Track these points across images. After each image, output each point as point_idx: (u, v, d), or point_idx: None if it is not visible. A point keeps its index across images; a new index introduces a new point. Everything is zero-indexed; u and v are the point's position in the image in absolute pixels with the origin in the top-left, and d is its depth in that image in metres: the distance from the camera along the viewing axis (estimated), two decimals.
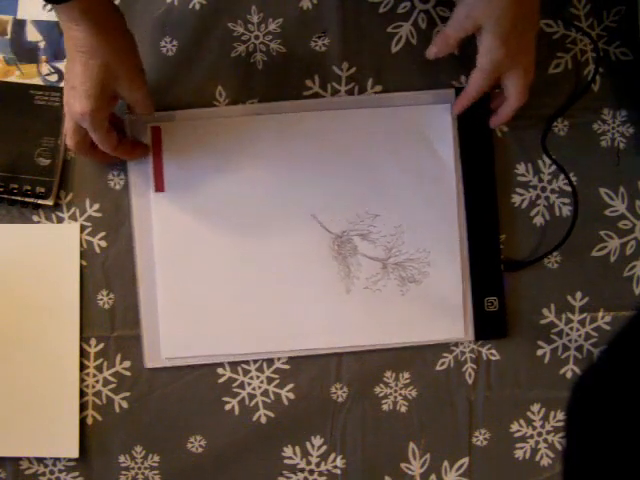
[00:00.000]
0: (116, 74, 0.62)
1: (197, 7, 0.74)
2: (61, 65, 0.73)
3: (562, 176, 0.75)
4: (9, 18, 0.73)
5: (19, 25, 0.73)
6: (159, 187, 0.73)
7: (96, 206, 0.74)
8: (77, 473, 0.75)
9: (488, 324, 0.74)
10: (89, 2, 0.59)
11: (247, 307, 0.73)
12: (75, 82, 0.62)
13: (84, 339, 0.74)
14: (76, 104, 0.62)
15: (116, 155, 0.69)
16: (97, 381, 0.74)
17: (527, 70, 0.66)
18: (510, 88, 0.67)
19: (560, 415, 0.75)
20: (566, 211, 0.75)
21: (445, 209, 0.74)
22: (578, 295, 0.75)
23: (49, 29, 0.73)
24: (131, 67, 0.64)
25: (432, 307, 0.74)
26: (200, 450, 0.75)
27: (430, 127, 0.73)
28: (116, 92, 0.64)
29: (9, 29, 0.73)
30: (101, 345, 0.74)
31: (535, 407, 0.76)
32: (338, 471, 0.75)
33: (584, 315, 0.75)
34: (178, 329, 0.73)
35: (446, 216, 0.74)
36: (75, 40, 0.60)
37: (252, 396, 0.75)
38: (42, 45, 0.73)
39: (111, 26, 0.62)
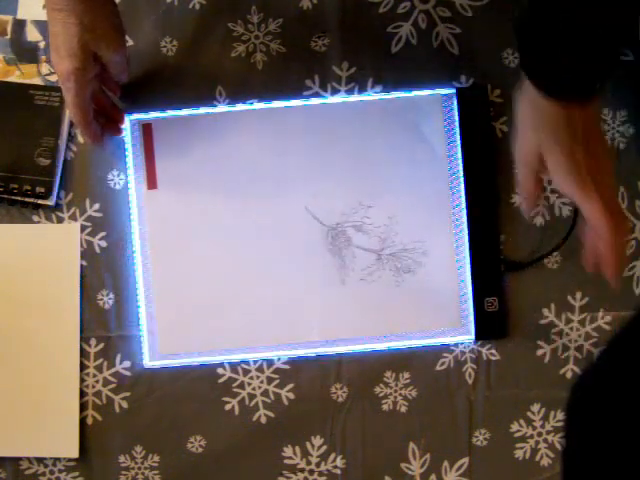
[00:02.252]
0: (95, 33, 0.62)
1: (197, 7, 0.74)
2: None
3: None
4: (9, 18, 0.73)
5: (19, 25, 0.73)
6: (151, 185, 0.73)
7: (96, 206, 0.74)
8: (77, 473, 0.75)
9: (488, 324, 0.74)
10: None
11: (243, 301, 0.74)
12: (57, 43, 0.62)
13: (84, 339, 0.74)
14: (61, 64, 0.62)
15: (86, 126, 0.67)
16: (97, 381, 0.74)
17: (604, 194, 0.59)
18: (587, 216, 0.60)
19: (560, 415, 0.75)
20: (566, 211, 0.75)
21: (438, 199, 0.74)
22: (578, 295, 0.75)
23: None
24: (110, 26, 0.64)
25: (428, 297, 0.74)
26: (200, 450, 0.75)
27: (421, 117, 0.73)
28: (96, 51, 0.63)
29: (9, 29, 0.73)
30: (101, 345, 0.74)
31: (535, 407, 0.75)
32: (338, 471, 0.75)
33: (584, 315, 0.75)
34: (175, 325, 0.73)
35: (439, 206, 0.74)
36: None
37: (252, 396, 0.75)
38: (42, 45, 0.73)
39: None
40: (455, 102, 0.74)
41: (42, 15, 0.73)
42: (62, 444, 0.73)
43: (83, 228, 0.74)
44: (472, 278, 0.74)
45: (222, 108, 0.74)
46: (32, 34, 0.73)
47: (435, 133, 0.74)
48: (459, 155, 0.74)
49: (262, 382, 0.75)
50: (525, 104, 0.61)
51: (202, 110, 0.74)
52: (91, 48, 0.63)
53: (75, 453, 0.73)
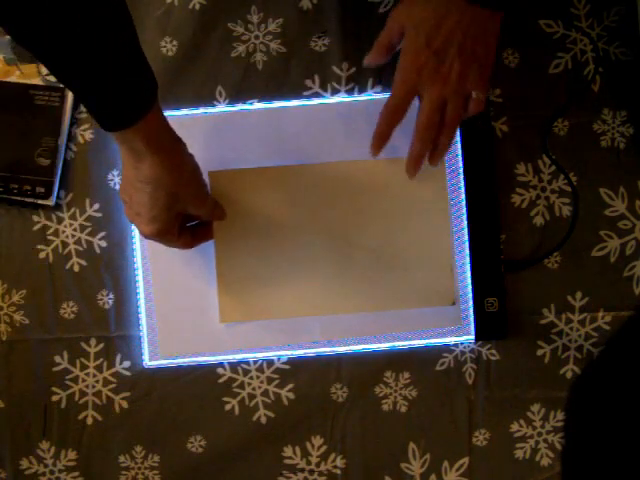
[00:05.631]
0: (182, 199, 0.62)
1: (197, 7, 0.74)
2: None
3: (562, 176, 0.75)
4: None
5: None
6: None
7: (96, 206, 0.75)
8: (77, 473, 0.75)
9: (488, 324, 0.74)
10: (151, 130, 0.57)
11: None
12: (140, 209, 0.61)
13: (84, 339, 0.74)
14: (143, 228, 0.62)
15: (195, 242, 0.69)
16: (97, 381, 0.75)
17: (438, 83, 0.63)
18: (421, 103, 0.65)
19: (560, 415, 0.75)
20: (566, 211, 0.75)
21: (438, 198, 0.74)
22: (578, 295, 0.75)
23: None
24: (196, 189, 0.64)
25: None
26: (200, 450, 0.75)
27: None
28: (181, 212, 0.64)
29: None
30: (101, 345, 0.74)
31: (535, 407, 0.76)
32: (338, 471, 0.75)
33: (584, 315, 0.75)
34: (174, 325, 0.73)
35: (439, 206, 0.74)
36: (138, 173, 0.59)
37: (252, 396, 0.75)
38: None
39: (176, 157, 0.60)
40: None
41: None
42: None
43: (83, 228, 0.75)
44: (472, 278, 0.74)
45: (222, 108, 0.74)
46: None
47: None
48: (459, 155, 0.74)
49: (262, 382, 0.75)
50: None
51: (202, 110, 0.74)
52: (178, 210, 0.62)
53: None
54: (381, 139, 0.67)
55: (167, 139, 0.60)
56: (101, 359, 0.75)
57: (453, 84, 0.63)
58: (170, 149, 0.60)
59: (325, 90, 0.75)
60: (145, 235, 0.63)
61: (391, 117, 0.66)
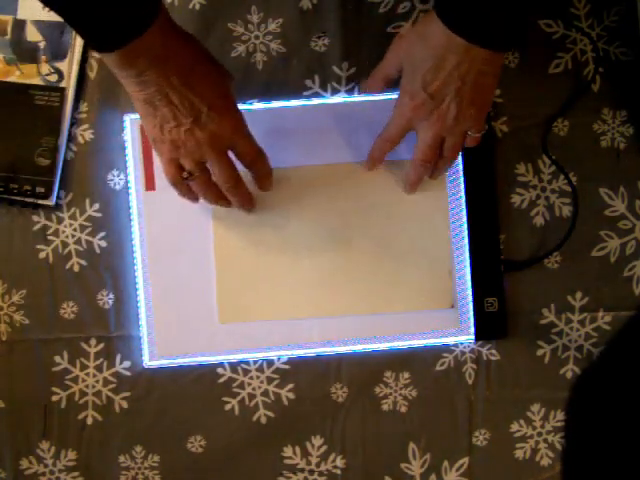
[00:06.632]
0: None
1: (197, 7, 0.74)
2: (61, 65, 0.73)
3: (562, 176, 0.75)
4: (9, 18, 0.73)
5: (19, 25, 0.73)
6: (149, 186, 0.73)
7: (96, 206, 0.75)
8: (77, 473, 0.75)
9: (488, 324, 0.74)
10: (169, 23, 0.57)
11: None
12: (205, 105, 0.60)
13: (84, 339, 0.74)
14: (226, 124, 0.61)
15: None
16: (97, 381, 0.75)
17: (434, 124, 0.63)
18: (417, 139, 0.66)
19: (560, 415, 0.75)
20: (566, 211, 0.75)
21: (437, 198, 0.74)
22: (578, 295, 0.75)
23: (49, 29, 0.73)
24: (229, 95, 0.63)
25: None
26: (200, 450, 0.75)
27: None
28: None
29: (9, 29, 0.73)
30: (101, 345, 0.74)
31: (535, 407, 0.76)
32: (338, 471, 0.75)
33: (584, 315, 0.75)
34: (174, 325, 0.73)
35: (439, 206, 0.74)
36: (184, 62, 0.58)
37: (252, 396, 0.75)
38: (42, 45, 0.73)
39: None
40: None
41: (42, 15, 0.73)
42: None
43: (83, 228, 0.75)
44: (472, 278, 0.74)
45: None
46: (32, 34, 0.73)
47: None
48: (459, 155, 0.74)
49: (262, 382, 0.75)
50: (430, 24, 0.60)
51: None
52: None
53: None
54: (374, 163, 0.72)
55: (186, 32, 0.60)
56: (101, 359, 0.75)
57: (449, 125, 0.63)
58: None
59: (325, 90, 0.75)
60: (227, 137, 0.63)
61: (384, 146, 0.69)
